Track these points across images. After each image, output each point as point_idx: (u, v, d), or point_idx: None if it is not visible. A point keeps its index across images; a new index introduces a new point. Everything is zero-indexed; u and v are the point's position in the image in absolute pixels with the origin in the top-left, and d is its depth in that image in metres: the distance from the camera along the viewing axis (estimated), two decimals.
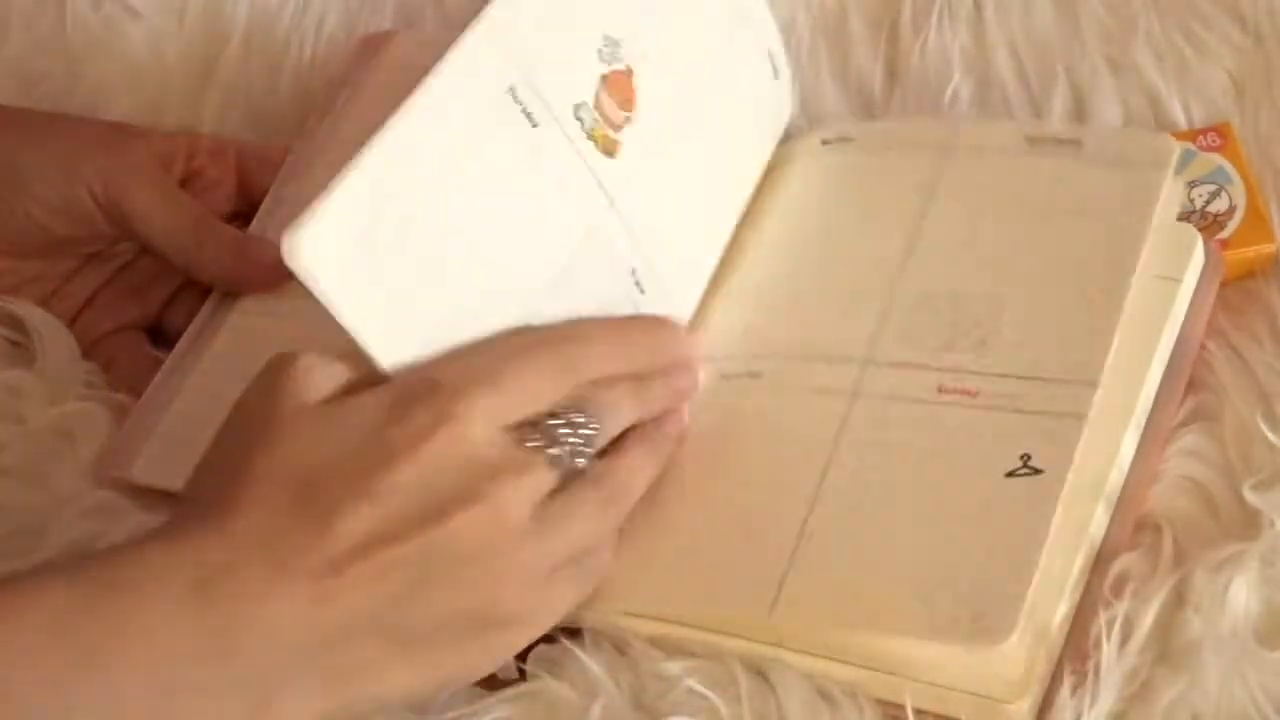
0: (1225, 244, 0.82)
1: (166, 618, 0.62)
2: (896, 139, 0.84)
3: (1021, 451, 0.73)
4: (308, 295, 0.74)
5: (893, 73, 0.91)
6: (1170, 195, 0.78)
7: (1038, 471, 0.72)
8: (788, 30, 0.92)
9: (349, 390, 0.67)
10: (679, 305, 0.78)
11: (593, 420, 0.70)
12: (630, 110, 0.74)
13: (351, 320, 0.66)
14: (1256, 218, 0.83)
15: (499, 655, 0.68)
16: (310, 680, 0.64)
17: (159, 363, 0.82)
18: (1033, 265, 0.78)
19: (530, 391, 0.69)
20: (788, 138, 0.87)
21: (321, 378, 0.67)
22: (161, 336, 0.84)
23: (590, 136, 0.72)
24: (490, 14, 0.70)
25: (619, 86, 0.73)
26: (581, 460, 0.70)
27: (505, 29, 0.70)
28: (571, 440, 0.69)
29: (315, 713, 0.64)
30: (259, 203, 0.86)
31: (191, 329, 0.82)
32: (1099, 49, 0.90)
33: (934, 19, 0.91)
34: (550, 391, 0.70)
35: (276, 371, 0.67)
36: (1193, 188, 0.83)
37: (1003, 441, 0.73)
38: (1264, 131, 0.86)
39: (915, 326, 0.77)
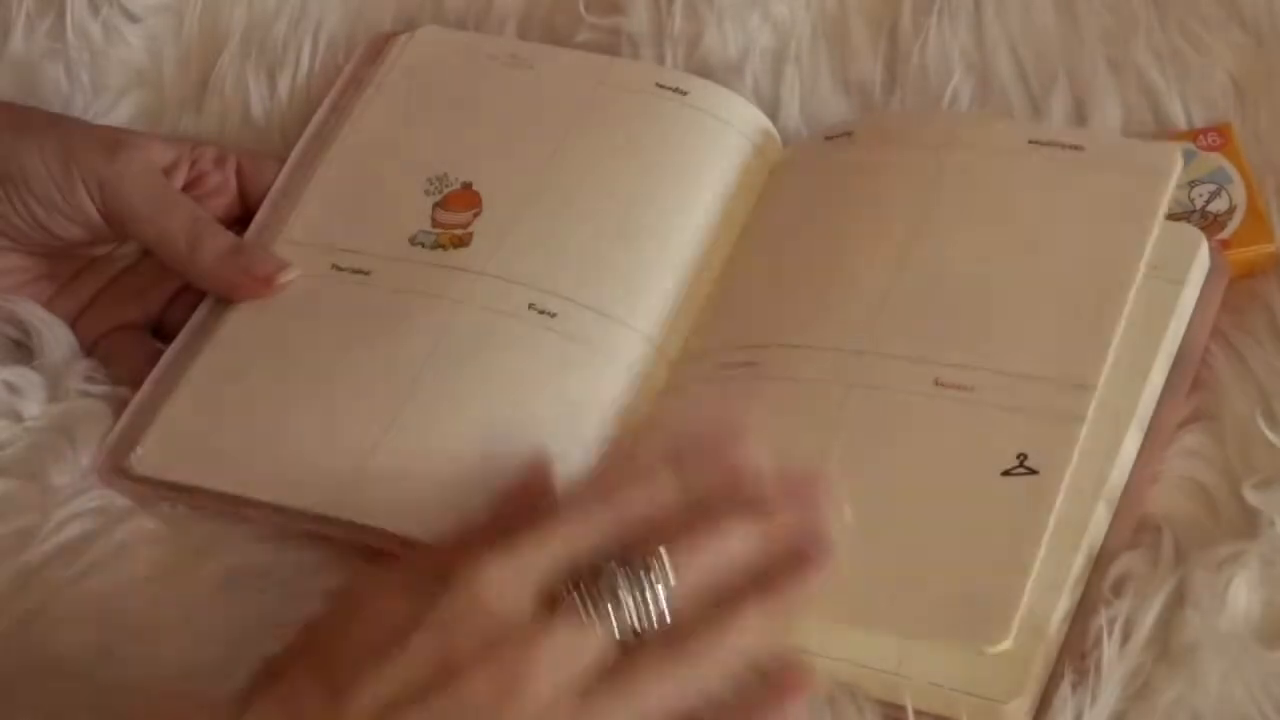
0: (1225, 244, 0.82)
1: None
2: (897, 134, 0.84)
3: (1018, 451, 0.73)
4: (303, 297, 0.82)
5: (893, 73, 0.91)
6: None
7: (1034, 472, 0.72)
8: (787, 30, 0.92)
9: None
10: (618, 310, 0.80)
11: (657, 571, 0.64)
12: (476, 207, 0.83)
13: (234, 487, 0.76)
14: (1257, 218, 0.83)
15: None
16: None
17: (160, 354, 0.82)
18: (1031, 264, 0.78)
19: (553, 544, 0.65)
20: (790, 138, 0.88)
21: (374, 579, 0.67)
22: (163, 336, 0.84)
23: (438, 246, 0.82)
24: (295, 218, 0.84)
25: (457, 201, 0.84)
26: (643, 617, 0.64)
27: (313, 222, 0.84)
28: (619, 594, 0.64)
29: None
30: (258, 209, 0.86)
31: (192, 321, 0.82)
32: (1099, 49, 0.90)
33: (934, 19, 0.91)
34: (582, 537, 0.65)
35: None
36: (1193, 188, 0.83)
37: (999, 439, 0.73)
38: (1264, 131, 0.86)
39: (911, 319, 0.77)
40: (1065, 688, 0.70)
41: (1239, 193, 0.83)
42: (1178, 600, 0.72)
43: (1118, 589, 0.73)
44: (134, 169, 0.82)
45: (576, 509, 0.66)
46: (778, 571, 0.66)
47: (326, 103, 0.89)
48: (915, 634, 0.70)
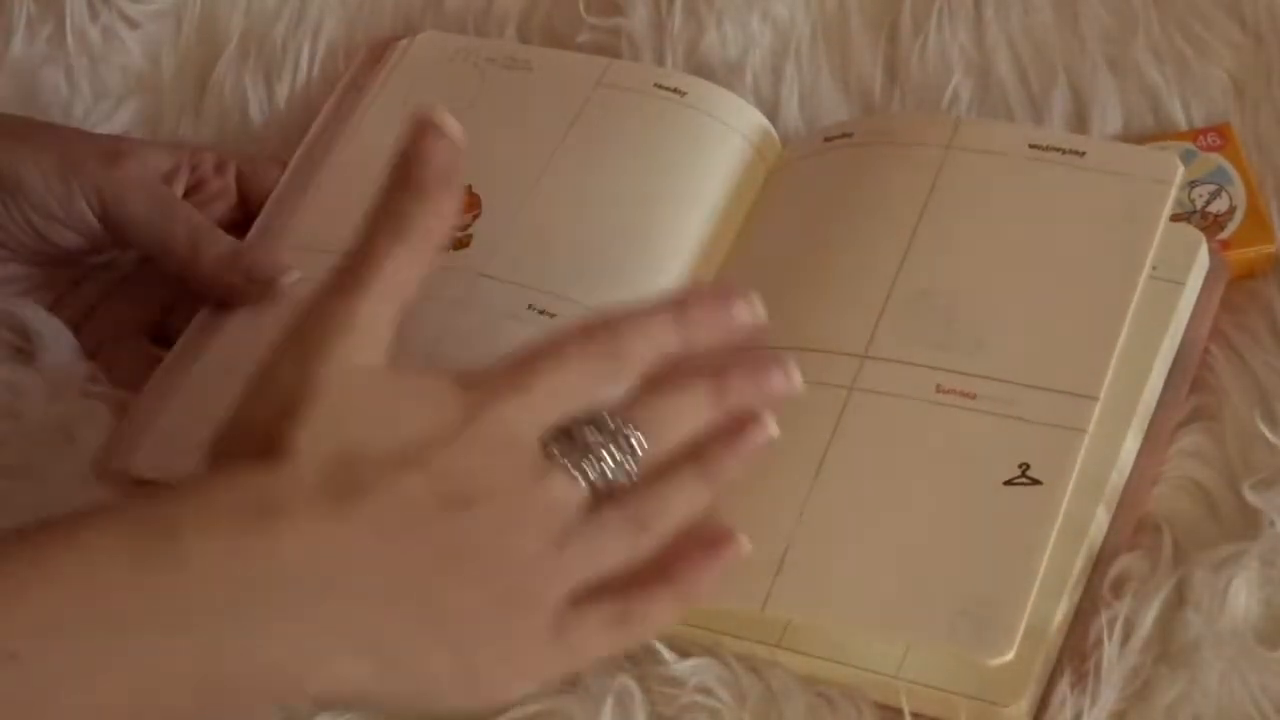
0: (1225, 244, 0.82)
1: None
2: (896, 135, 0.83)
3: (1020, 460, 0.73)
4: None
5: (892, 73, 0.91)
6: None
7: (1036, 483, 0.72)
8: (787, 30, 0.92)
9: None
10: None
11: (636, 430, 0.66)
12: (475, 209, 0.84)
13: None
14: (1256, 218, 0.83)
15: (492, 691, 0.64)
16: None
17: (159, 361, 0.82)
18: (1032, 269, 0.78)
19: (555, 391, 0.65)
20: (790, 139, 0.88)
21: (371, 343, 0.66)
22: (164, 343, 0.84)
23: None
24: (297, 222, 0.84)
25: None
26: (618, 477, 0.65)
27: (314, 226, 0.84)
28: (603, 452, 0.65)
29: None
30: (258, 214, 0.86)
31: (194, 324, 0.82)
32: (1099, 49, 0.90)
33: (934, 19, 0.91)
34: (580, 388, 0.66)
35: (321, 329, 0.65)
36: (1193, 188, 0.83)
37: (1001, 448, 0.73)
38: (1264, 131, 0.86)
39: (912, 324, 0.77)
40: (1065, 688, 0.70)
41: (1239, 193, 0.83)
42: (1177, 600, 0.73)
43: (1117, 589, 0.73)
44: (133, 178, 0.82)
45: (581, 347, 0.66)
46: (718, 441, 0.67)
47: (327, 108, 0.89)
48: (919, 640, 0.70)
